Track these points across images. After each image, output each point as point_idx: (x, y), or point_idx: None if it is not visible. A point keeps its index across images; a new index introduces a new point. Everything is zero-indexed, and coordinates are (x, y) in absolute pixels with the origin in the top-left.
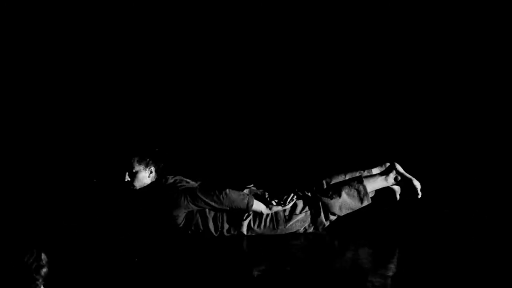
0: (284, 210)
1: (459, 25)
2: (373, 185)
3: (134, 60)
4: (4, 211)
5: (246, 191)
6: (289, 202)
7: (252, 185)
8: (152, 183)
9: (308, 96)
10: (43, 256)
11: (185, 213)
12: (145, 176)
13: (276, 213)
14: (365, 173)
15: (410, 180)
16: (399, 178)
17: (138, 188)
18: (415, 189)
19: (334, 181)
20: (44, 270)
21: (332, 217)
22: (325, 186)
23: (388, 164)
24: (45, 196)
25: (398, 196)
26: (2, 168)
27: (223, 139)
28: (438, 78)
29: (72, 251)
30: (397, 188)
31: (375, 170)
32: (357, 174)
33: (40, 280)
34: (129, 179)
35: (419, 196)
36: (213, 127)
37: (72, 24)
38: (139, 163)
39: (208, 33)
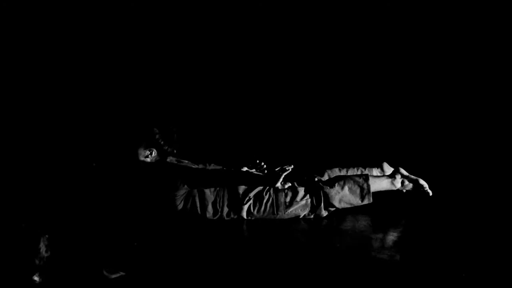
0: (286, 196)
1: (458, 24)
2: (377, 185)
3: (131, 47)
4: (6, 196)
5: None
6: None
7: (254, 170)
8: (152, 163)
9: (311, 91)
10: (44, 240)
11: (183, 195)
12: (142, 155)
13: (277, 198)
14: (366, 171)
15: (417, 180)
16: (406, 181)
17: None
18: (424, 188)
19: (334, 174)
20: (44, 253)
21: (331, 209)
22: (326, 178)
23: (385, 167)
24: (46, 182)
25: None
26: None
27: (228, 131)
28: (437, 79)
29: (72, 237)
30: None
31: (375, 171)
32: (357, 171)
33: (40, 263)
34: None
35: (430, 194)
36: (218, 118)
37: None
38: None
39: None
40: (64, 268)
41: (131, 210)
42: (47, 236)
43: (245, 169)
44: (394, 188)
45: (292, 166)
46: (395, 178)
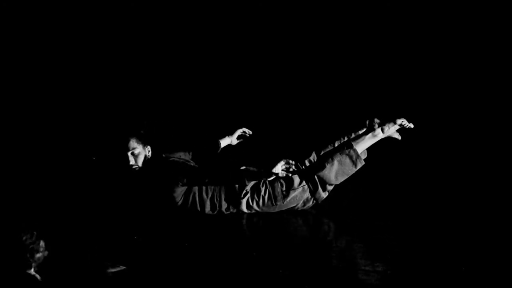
0: (281, 186)
1: (453, 22)
2: (363, 145)
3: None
4: (7, 190)
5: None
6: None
7: (244, 167)
8: (148, 161)
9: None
10: (41, 242)
11: (183, 191)
12: (144, 155)
13: (274, 189)
14: (352, 136)
15: (394, 122)
16: (386, 128)
17: (140, 167)
18: (403, 125)
19: (323, 151)
20: (39, 255)
21: (330, 187)
22: (316, 158)
23: (367, 122)
24: (45, 178)
25: (398, 136)
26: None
27: (213, 120)
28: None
29: (72, 233)
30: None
31: (362, 132)
32: (345, 139)
33: (33, 263)
34: (134, 161)
35: (412, 126)
36: (203, 106)
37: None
38: (138, 143)
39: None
40: (64, 264)
41: (132, 205)
42: (44, 232)
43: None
44: (378, 139)
45: (293, 163)
46: (374, 130)
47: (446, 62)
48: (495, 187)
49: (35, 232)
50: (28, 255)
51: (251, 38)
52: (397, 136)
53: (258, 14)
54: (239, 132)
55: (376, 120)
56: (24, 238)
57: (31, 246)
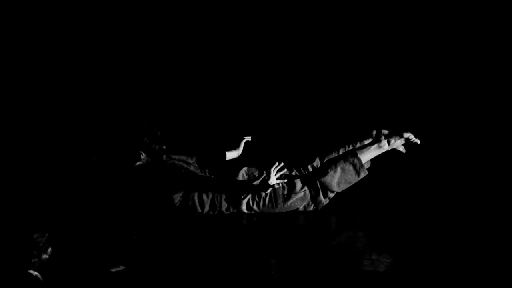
0: (283, 189)
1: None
2: (367, 155)
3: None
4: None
5: (244, 169)
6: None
7: (246, 168)
8: (149, 163)
9: (295, 77)
10: (50, 248)
11: (181, 193)
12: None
13: (275, 191)
14: (358, 145)
15: (401, 135)
16: (392, 140)
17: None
18: (410, 140)
19: (327, 158)
20: (45, 256)
21: (331, 194)
22: (319, 164)
23: (374, 133)
24: (46, 178)
25: (403, 149)
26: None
27: (217, 122)
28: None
29: (73, 233)
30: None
31: (367, 142)
32: (350, 148)
33: (37, 263)
34: None
35: (419, 142)
36: (208, 109)
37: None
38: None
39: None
40: (65, 264)
41: (131, 205)
42: (46, 233)
43: (242, 171)
44: (383, 151)
45: (282, 164)
46: (380, 141)
47: (457, 72)
48: (494, 190)
49: (46, 234)
50: (35, 253)
51: (257, 42)
52: (402, 149)
53: (258, 14)
54: (243, 143)
55: (384, 132)
56: (35, 236)
57: (41, 245)
